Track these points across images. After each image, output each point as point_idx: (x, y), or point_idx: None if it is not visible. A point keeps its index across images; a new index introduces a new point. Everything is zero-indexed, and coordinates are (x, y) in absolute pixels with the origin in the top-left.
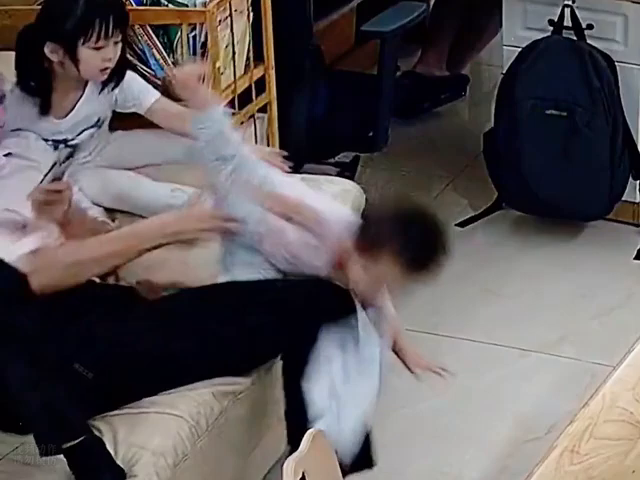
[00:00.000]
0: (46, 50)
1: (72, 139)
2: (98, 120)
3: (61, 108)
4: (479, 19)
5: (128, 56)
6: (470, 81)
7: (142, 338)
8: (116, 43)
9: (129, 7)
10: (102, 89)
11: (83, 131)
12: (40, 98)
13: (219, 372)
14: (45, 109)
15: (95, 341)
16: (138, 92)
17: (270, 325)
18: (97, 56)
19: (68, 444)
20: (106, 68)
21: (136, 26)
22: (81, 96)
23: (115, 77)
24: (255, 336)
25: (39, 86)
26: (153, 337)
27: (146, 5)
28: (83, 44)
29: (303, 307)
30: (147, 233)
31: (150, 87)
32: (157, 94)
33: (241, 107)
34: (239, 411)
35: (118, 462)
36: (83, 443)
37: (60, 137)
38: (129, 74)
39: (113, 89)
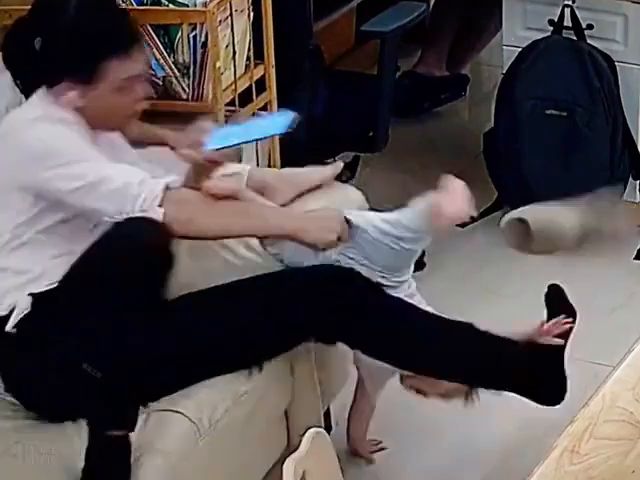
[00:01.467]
0: (36, 45)
1: None
2: None
3: None
4: (479, 19)
5: None
6: (470, 81)
7: (164, 333)
8: None
9: (129, 7)
10: None
11: None
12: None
13: (236, 365)
14: None
15: (103, 340)
16: None
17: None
18: None
19: (115, 432)
20: None
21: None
22: None
23: None
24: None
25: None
26: (177, 330)
27: (146, 5)
28: None
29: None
30: (282, 217)
31: None
32: None
33: (242, 106)
34: (241, 411)
35: None
36: (122, 439)
37: None
38: None
39: None
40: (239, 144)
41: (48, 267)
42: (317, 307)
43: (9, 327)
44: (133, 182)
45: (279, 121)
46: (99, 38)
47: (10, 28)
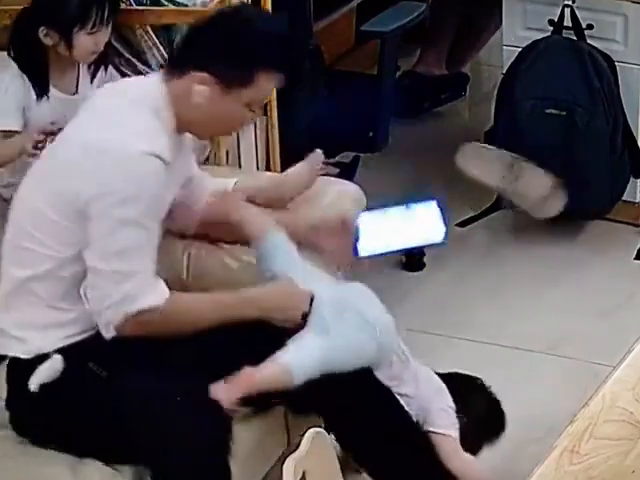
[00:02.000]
0: (40, 34)
1: None
2: None
3: (64, 85)
4: (479, 18)
5: (129, 56)
6: (470, 80)
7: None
8: (107, 26)
9: (129, 7)
10: (92, 78)
11: None
12: (37, 81)
13: None
14: (44, 90)
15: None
16: None
17: None
18: (91, 41)
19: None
20: (96, 51)
21: (136, 26)
22: (78, 75)
23: (102, 62)
24: None
25: (35, 67)
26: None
27: (146, 5)
28: (79, 30)
29: None
30: (246, 309)
31: None
32: None
33: None
34: (241, 410)
35: None
36: None
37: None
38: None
39: (105, 70)
40: (391, 253)
41: (82, 313)
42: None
43: (34, 386)
44: (115, 296)
45: (432, 220)
46: (273, 46)
47: (15, 19)
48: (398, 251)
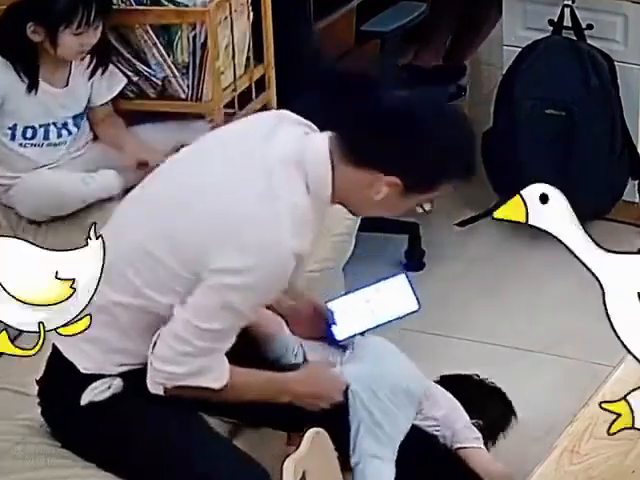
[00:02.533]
0: (28, 30)
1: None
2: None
3: (55, 79)
4: (478, 17)
5: (129, 56)
6: (468, 70)
7: None
8: (96, 28)
9: (129, 7)
10: (91, 76)
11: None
12: (26, 75)
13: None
14: (34, 84)
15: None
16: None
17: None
18: (76, 41)
19: None
20: (83, 51)
21: (136, 26)
22: (70, 70)
23: (101, 64)
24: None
25: (23, 61)
26: None
27: (146, 5)
28: (64, 30)
29: None
30: (279, 394)
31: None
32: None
33: (241, 107)
34: None
35: None
36: None
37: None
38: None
39: (102, 74)
40: (368, 331)
41: (144, 349)
42: None
43: (84, 402)
44: (181, 369)
45: (403, 292)
46: (463, 160)
47: (4, 14)
48: (375, 327)
